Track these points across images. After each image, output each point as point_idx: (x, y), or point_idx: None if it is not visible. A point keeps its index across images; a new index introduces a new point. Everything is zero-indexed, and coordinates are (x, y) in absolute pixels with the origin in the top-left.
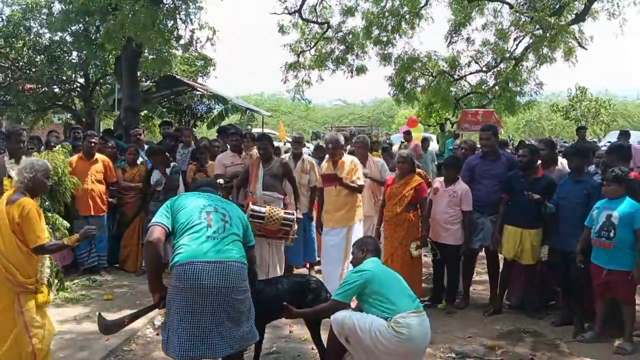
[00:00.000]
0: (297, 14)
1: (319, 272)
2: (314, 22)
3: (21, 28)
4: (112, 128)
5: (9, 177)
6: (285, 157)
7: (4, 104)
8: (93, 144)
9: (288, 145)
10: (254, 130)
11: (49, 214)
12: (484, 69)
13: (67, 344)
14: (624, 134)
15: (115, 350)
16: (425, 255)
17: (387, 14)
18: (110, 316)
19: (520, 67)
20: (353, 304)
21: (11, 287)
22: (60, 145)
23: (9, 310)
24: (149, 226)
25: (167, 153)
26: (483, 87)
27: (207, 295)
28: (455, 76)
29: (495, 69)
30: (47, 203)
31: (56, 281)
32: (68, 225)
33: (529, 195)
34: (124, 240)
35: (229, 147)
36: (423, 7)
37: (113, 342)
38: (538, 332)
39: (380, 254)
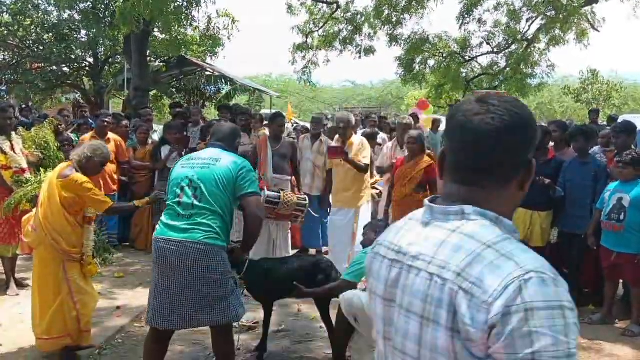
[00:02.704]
0: None
1: (326, 253)
2: (322, 2)
3: (29, 5)
4: (122, 108)
5: (3, 152)
6: (303, 137)
7: (12, 83)
8: (106, 124)
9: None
10: (262, 111)
11: None
12: (495, 50)
13: None
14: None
15: (126, 327)
16: None
17: None
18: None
19: (532, 48)
20: (362, 285)
21: (56, 255)
22: (46, 121)
23: (54, 276)
24: None
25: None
26: (494, 69)
27: (166, 272)
28: (466, 57)
29: (506, 50)
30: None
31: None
32: None
33: (540, 180)
34: (134, 218)
35: None
36: None
37: (124, 319)
38: None
39: None
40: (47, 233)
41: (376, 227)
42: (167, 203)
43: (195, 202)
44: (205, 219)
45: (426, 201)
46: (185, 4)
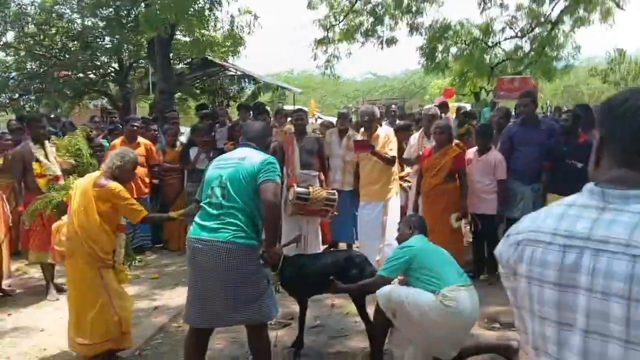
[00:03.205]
0: None
1: (357, 247)
2: None
3: (53, 15)
4: (149, 111)
5: (37, 160)
6: (330, 133)
7: (40, 92)
8: (135, 128)
9: (319, 120)
10: (286, 107)
11: None
12: (519, 34)
13: None
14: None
15: (164, 327)
16: (465, 227)
17: None
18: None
19: (557, 30)
20: (397, 280)
21: (92, 262)
22: (78, 129)
23: (92, 282)
24: None
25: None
26: (518, 54)
27: (199, 271)
28: (489, 43)
29: (530, 34)
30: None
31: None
32: None
33: (572, 164)
34: None
35: None
36: None
37: (162, 319)
38: None
39: (427, 232)
40: (83, 241)
41: (410, 222)
42: (200, 204)
43: (224, 202)
44: (233, 218)
45: (592, 185)
46: (207, 4)
